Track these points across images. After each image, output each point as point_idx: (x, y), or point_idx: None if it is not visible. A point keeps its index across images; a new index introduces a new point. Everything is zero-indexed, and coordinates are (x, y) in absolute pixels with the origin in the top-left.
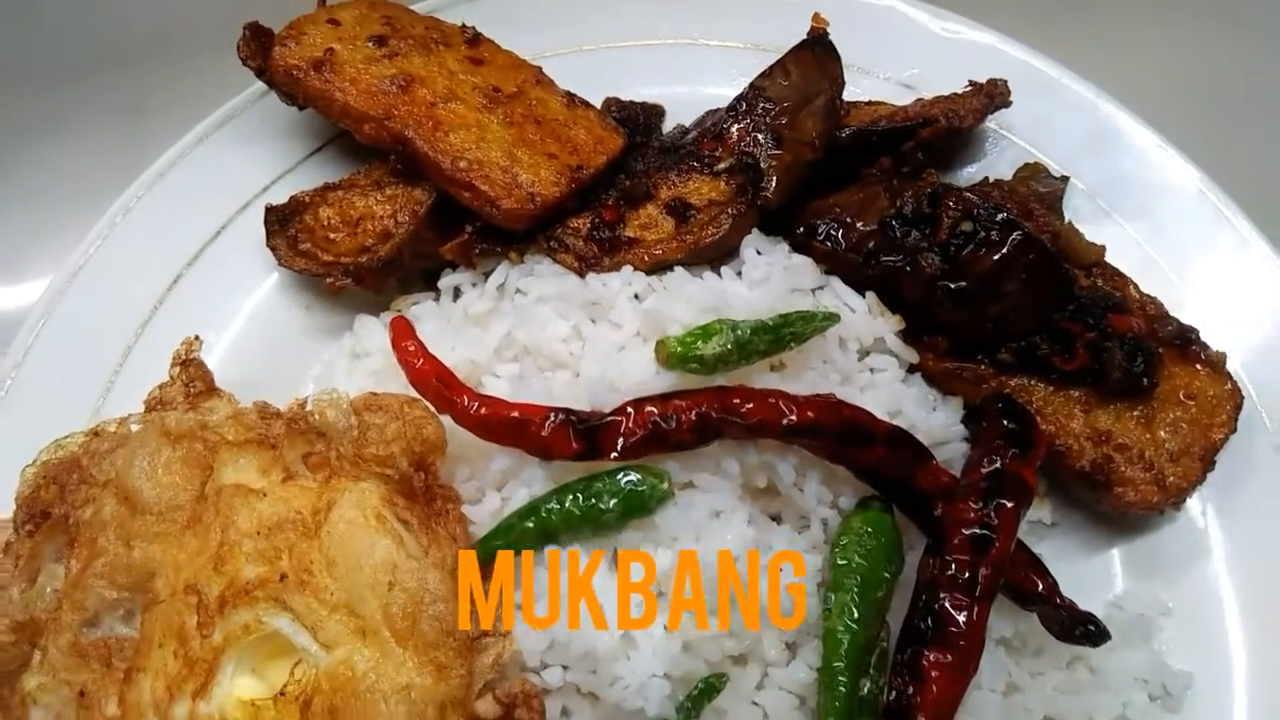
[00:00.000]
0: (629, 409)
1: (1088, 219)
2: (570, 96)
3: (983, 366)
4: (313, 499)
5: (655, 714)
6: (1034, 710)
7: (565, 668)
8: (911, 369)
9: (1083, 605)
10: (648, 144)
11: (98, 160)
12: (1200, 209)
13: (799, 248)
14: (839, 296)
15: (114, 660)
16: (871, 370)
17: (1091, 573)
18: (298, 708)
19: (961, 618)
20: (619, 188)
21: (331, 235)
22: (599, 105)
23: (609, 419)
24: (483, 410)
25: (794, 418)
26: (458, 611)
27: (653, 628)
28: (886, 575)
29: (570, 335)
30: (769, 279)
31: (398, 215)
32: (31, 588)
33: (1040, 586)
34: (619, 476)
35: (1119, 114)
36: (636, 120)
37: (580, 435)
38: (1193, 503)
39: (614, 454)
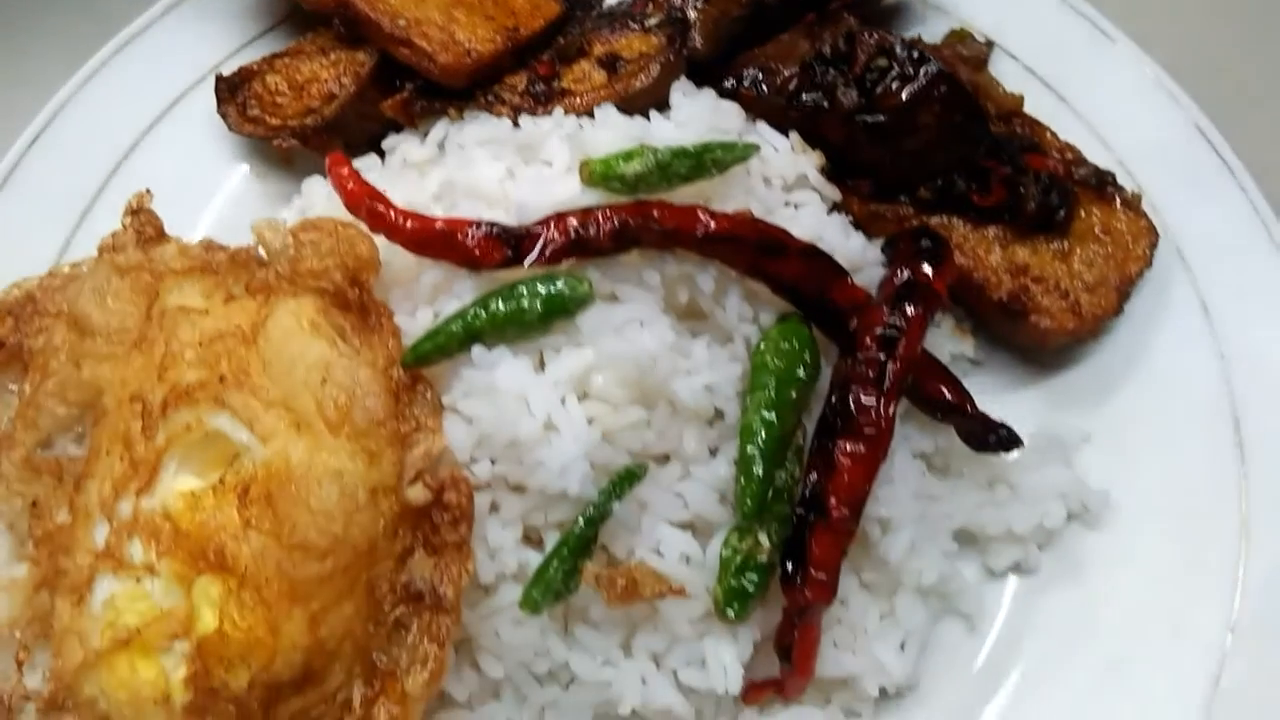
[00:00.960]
0: (551, 219)
1: (1013, 81)
2: None
3: (904, 207)
4: (251, 314)
5: (577, 493)
6: (953, 517)
7: (493, 461)
8: (835, 209)
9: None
10: (586, 16)
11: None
12: (1127, 71)
13: (728, 97)
14: (763, 138)
15: (65, 476)
16: (795, 206)
17: (1016, 407)
18: (235, 495)
19: (870, 408)
20: (554, 48)
21: (279, 100)
22: None
23: (532, 228)
24: (411, 224)
25: (711, 226)
26: (389, 406)
27: (574, 416)
28: (801, 376)
29: (504, 176)
30: (695, 119)
31: (341, 78)
32: None
33: (952, 396)
34: (541, 280)
35: None
36: None
37: (504, 242)
38: (1112, 337)
39: (536, 259)
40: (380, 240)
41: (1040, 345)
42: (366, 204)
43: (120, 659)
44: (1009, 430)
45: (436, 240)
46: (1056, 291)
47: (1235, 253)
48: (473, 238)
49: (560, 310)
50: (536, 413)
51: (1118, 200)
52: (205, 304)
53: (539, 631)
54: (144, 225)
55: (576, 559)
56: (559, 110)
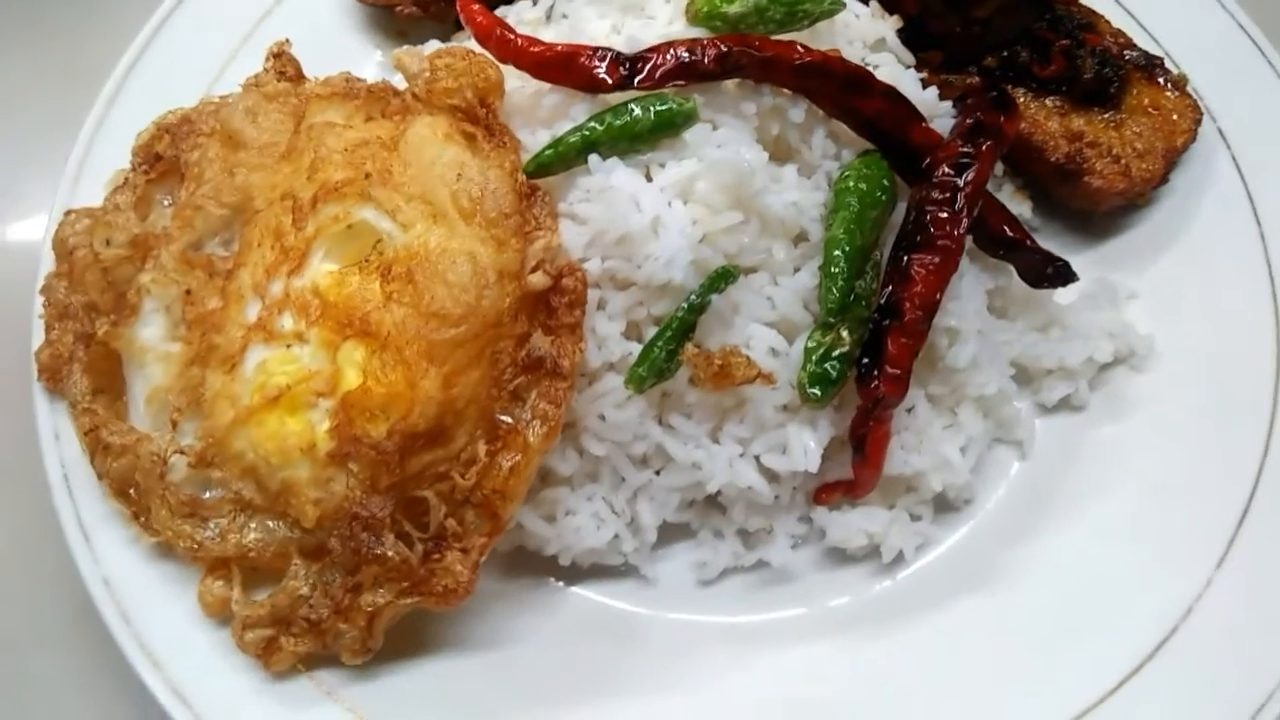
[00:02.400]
0: (662, 46)
1: None
2: None
3: (971, 76)
4: (390, 130)
5: (680, 282)
6: (1011, 344)
7: (603, 259)
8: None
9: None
10: None
11: None
12: None
13: None
14: (849, 7)
15: (216, 273)
16: (875, 67)
17: None
18: (378, 273)
19: (944, 220)
20: None
21: None
22: None
23: (644, 52)
24: (535, 48)
25: (805, 57)
26: (514, 204)
27: (679, 215)
28: (882, 197)
29: (610, 32)
30: None
31: None
32: (145, 220)
33: (1013, 232)
34: (652, 98)
35: None
36: None
37: (619, 64)
38: (1158, 205)
39: (646, 78)
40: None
41: (1093, 207)
42: (496, 33)
43: (270, 415)
44: (1065, 264)
45: (557, 62)
46: (1109, 156)
47: (1273, 136)
48: (591, 59)
49: (668, 125)
50: (646, 211)
51: (1165, 80)
52: (348, 122)
53: (638, 415)
54: (285, 66)
55: (678, 341)
56: None
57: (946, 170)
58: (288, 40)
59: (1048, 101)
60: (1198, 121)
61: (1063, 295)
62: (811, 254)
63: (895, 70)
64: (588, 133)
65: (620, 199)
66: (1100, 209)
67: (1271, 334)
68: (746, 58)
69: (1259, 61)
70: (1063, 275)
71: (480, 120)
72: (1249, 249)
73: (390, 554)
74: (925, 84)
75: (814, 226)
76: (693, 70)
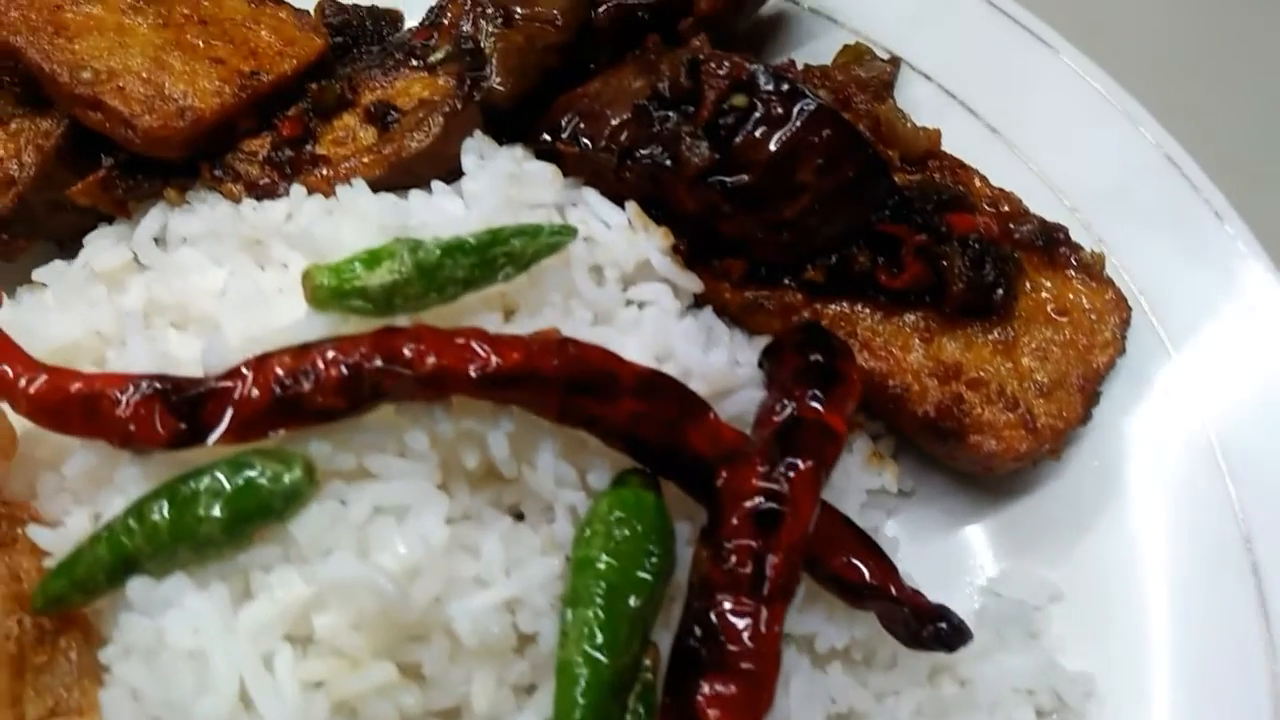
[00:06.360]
0: (245, 368)
1: (928, 109)
2: None
3: (790, 293)
4: None
5: None
6: None
7: None
8: (698, 302)
9: (950, 595)
10: (361, 54)
11: None
12: (1073, 89)
13: (545, 156)
14: (593, 211)
15: None
16: (640, 305)
17: (957, 554)
18: None
19: (744, 629)
20: (310, 95)
21: None
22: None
23: (216, 384)
24: (37, 387)
25: (493, 362)
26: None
27: (282, 681)
28: (646, 576)
29: (224, 286)
30: (490, 192)
31: (21, 155)
32: None
33: (869, 574)
34: (227, 466)
35: None
36: (361, 26)
37: (174, 410)
38: (1078, 451)
39: (225, 434)
40: None
41: (985, 471)
42: None
43: None
44: (950, 619)
45: (75, 409)
46: (1001, 400)
47: (1229, 319)
48: (127, 404)
49: (258, 513)
50: (221, 682)
51: (1073, 263)
52: None
53: None
54: None
55: None
56: (298, 189)
57: (742, 526)
58: None
59: (905, 320)
60: (1125, 323)
61: None
62: (545, 668)
63: (666, 319)
64: (120, 537)
65: (176, 657)
66: (995, 472)
67: (1260, 643)
68: (392, 379)
69: (1199, 212)
70: (946, 638)
71: None
72: (1215, 506)
73: None
74: (725, 306)
75: (546, 624)
76: (298, 410)
